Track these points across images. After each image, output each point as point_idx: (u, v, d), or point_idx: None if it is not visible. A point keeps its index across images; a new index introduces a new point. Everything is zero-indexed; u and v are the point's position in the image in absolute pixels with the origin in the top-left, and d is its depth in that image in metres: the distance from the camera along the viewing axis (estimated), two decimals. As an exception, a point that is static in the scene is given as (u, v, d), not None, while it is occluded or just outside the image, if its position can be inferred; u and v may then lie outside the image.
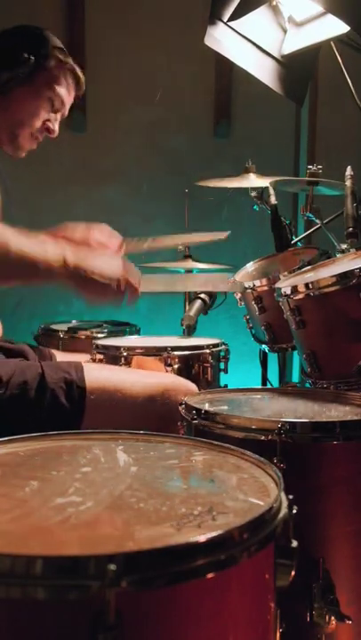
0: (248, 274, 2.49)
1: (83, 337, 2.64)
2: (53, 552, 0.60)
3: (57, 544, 0.67)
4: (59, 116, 1.75)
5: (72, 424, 1.45)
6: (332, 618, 1.09)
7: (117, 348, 1.99)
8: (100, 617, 0.55)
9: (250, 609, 0.68)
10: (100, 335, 2.63)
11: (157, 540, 0.66)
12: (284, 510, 0.71)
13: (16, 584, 0.57)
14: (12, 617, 0.58)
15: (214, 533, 0.62)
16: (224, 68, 3.92)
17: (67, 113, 1.78)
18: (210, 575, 0.61)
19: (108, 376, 1.58)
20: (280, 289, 1.68)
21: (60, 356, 2.00)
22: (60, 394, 1.47)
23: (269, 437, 1.13)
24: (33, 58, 1.63)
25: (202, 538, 0.61)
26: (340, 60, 2.15)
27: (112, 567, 0.55)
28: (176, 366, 1.94)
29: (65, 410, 1.46)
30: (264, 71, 2.12)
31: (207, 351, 2.03)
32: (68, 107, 1.77)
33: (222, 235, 2.19)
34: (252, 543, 0.65)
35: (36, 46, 1.64)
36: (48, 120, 1.72)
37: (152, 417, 1.54)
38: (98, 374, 1.56)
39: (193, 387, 1.68)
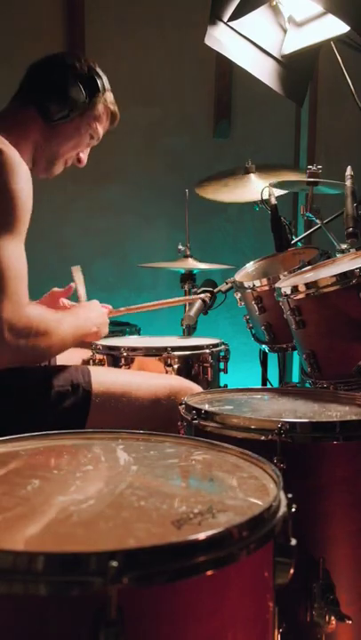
0: (248, 274, 2.49)
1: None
2: (55, 549, 0.60)
3: (59, 541, 0.67)
4: (89, 147, 1.82)
5: (75, 427, 1.46)
6: (332, 618, 1.09)
7: (118, 348, 1.99)
8: (101, 613, 0.56)
9: (249, 606, 0.69)
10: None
11: (158, 537, 0.67)
12: (283, 509, 0.72)
13: (18, 580, 0.57)
14: (15, 613, 0.59)
15: (214, 531, 0.62)
16: (224, 68, 3.93)
17: (95, 144, 1.85)
18: (210, 572, 0.61)
19: (114, 379, 1.60)
20: (280, 289, 1.68)
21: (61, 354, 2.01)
22: (66, 396, 1.49)
23: (269, 437, 1.13)
24: (88, 99, 1.68)
25: (202, 535, 0.61)
26: (340, 60, 2.15)
27: (113, 564, 0.56)
28: (176, 366, 1.94)
29: (69, 413, 1.48)
30: (264, 71, 2.13)
31: (207, 351, 2.03)
32: (99, 140, 1.84)
33: (198, 297, 2.28)
34: (252, 541, 0.65)
35: (90, 87, 1.68)
36: (80, 151, 1.79)
37: (157, 419, 1.54)
38: (104, 378, 1.58)
39: (197, 388, 1.69)
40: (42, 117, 1.65)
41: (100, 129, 1.79)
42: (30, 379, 1.50)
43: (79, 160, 1.80)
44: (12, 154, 1.48)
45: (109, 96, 1.76)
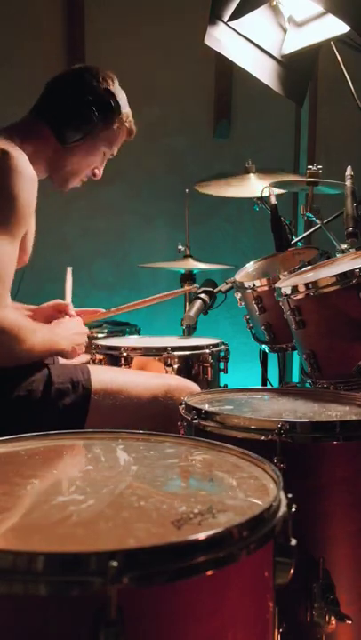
0: (248, 274, 2.49)
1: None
2: (55, 549, 0.60)
3: (59, 541, 0.67)
4: (105, 161, 1.83)
5: (75, 424, 1.47)
6: (332, 618, 1.09)
7: (117, 348, 1.99)
8: (101, 612, 0.56)
9: (249, 606, 0.69)
10: (100, 335, 2.63)
11: (158, 537, 0.67)
12: (283, 509, 0.72)
13: (18, 580, 0.57)
14: (15, 613, 0.59)
15: (214, 531, 0.62)
16: (224, 68, 3.92)
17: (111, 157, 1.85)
18: (210, 572, 0.61)
19: (112, 377, 1.61)
20: (280, 289, 1.68)
21: None
22: (66, 394, 1.49)
23: (269, 437, 1.14)
24: (101, 124, 1.68)
25: (202, 535, 0.61)
26: (341, 60, 2.15)
27: (113, 564, 0.56)
28: (176, 366, 1.95)
29: (69, 411, 1.48)
30: (264, 71, 2.12)
31: (207, 351, 2.03)
32: (114, 154, 1.85)
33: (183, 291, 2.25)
34: (252, 541, 0.65)
35: (106, 109, 1.68)
36: (96, 167, 1.80)
37: (155, 417, 1.55)
38: (103, 376, 1.59)
39: (196, 387, 1.69)
40: (56, 138, 1.66)
41: (116, 147, 1.81)
42: (31, 376, 1.51)
43: (94, 175, 1.82)
44: (20, 157, 1.48)
45: (126, 114, 1.77)
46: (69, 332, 1.69)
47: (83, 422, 1.49)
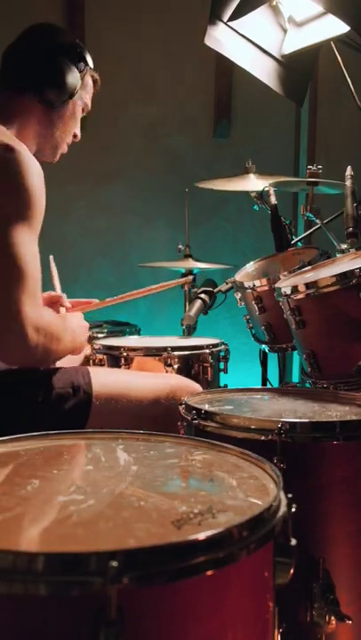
0: (248, 274, 2.49)
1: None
2: (55, 549, 0.60)
3: (59, 541, 0.67)
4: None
5: (76, 427, 1.46)
6: (332, 618, 1.09)
7: (117, 348, 1.99)
8: (101, 613, 0.56)
9: (249, 606, 0.69)
10: (100, 335, 2.63)
11: (158, 537, 0.67)
12: (283, 509, 0.72)
13: (18, 580, 0.57)
14: (15, 613, 0.59)
15: (214, 531, 0.62)
16: (224, 68, 3.93)
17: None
18: (210, 572, 0.61)
19: (114, 380, 1.60)
20: (280, 289, 1.68)
21: None
22: (67, 398, 1.48)
23: (269, 437, 1.13)
24: (81, 76, 1.64)
25: (202, 535, 0.61)
26: (341, 60, 2.15)
27: (114, 564, 0.56)
28: (176, 366, 1.95)
29: (70, 414, 1.48)
30: (264, 71, 2.12)
31: (207, 351, 2.03)
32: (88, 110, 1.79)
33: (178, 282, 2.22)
34: (252, 541, 0.65)
35: (79, 62, 1.64)
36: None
37: (157, 419, 1.54)
38: (104, 379, 1.58)
39: (197, 387, 1.69)
40: (42, 105, 1.61)
41: (88, 99, 1.75)
42: (31, 381, 1.50)
43: (75, 136, 1.76)
44: (25, 152, 1.47)
45: (91, 63, 1.71)
46: (81, 324, 1.67)
47: (83, 426, 1.48)
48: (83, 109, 1.74)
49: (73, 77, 1.62)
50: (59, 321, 1.50)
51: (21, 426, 1.43)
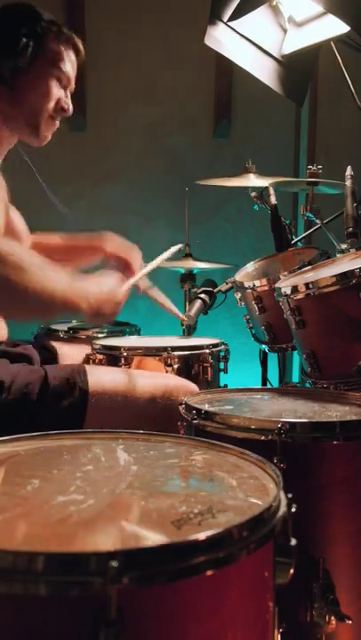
0: (248, 274, 2.49)
1: (83, 337, 2.64)
2: (55, 549, 0.60)
3: (59, 541, 0.67)
4: (68, 92, 1.68)
5: (72, 426, 1.46)
6: (332, 618, 1.09)
7: (117, 348, 1.99)
8: (101, 613, 0.56)
9: (249, 606, 0.69)
10: (100, 335, 2.63)
11: (158, 537, 0.66)
12: (283, 509, 0.72)
13: (18, 580, 0.57)
14: (15, 613, 0.59)
15: (214, 531, 0.62)
16: (224, 68, 3.93)
17: (74, 86, 1.70)
18: (210, 572, 0.61)
19: (110, 378, 1.59)
20: (280, 289, 1.68)
21: (63, 349, 2.01)
22: (63, 397, 1.48)
23: (269, 437, 1.13)
24: (32, 42, 1.54)
25: (202, 535, 0.61)
26: (341, 60, 2.15)
27: (114, 564, 0.56)
28: (176, 366, 1.94)
29: (66, 412, 1.47)
30: (264, 71, 2.13)
31: (207, 351, 2.03)
32: (73, 80, 1.69)
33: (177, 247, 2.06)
34: (252, 541, 0.65)
35: (31, 28, 1.54)
36: (60, 99, 1.65)
37: (155, 418, 1.54)
38: (101, 377, 1.57)
39: (194, 387, 1.68)
40: None
41: (67, 67, 1.64)
42: (27, 377, 1.50)
43: (63, 109, 1.66)
44: None
45: (62, 30, 1.62)
46: (100, 287, 1.47)
47: (81, 424, 1.48)
48: (60, 79, 1.63)
49: (21, 44, 1.52)
50: (21, 251, 1.37)
51: (18, 423, 1.43)
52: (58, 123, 1.69)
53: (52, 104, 1.63)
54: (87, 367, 1.59)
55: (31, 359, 1.72)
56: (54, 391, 1.48)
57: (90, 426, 1.47)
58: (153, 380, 1.65)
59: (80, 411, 1.49)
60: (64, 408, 1.47)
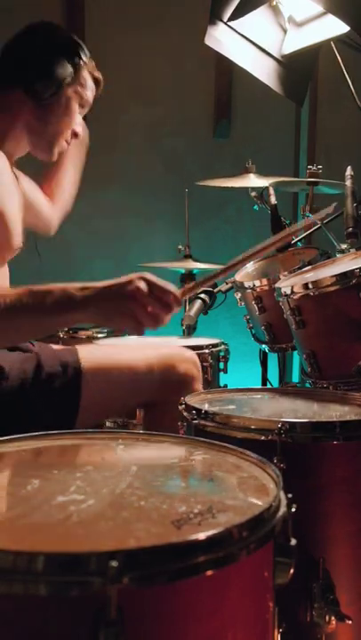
0: (248, 274, 2.49)
1: (83, 337, 2.64)
2: (55, 549, 0.60)
3: (59, 541, 0.67)
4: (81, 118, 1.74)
5: (69, 405, 1.46)
6: (332, 618, 1.09)
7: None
8: (101, 613, 0.56)
9: (249, 606, 0.69)
10: (100, 335, 2.63)
11: (158, 537, 0.67)
12: (283, 509, 0.72)
13: (18, 580, 0.57)
14: (15, 613, 0.59)
15: (214, 531, 0.62)
16: (224, 68, 3.93)
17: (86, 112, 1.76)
18: (210, 572, 0.61)
19: (103, 352, 1.59)
20: (280, 289, 1.68)
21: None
22: (57, 376, 1.48)
23: (269, 437, 1.13)
24: (72, 70, 1.60)
25: (202, 535, 0.61)
26: (341, 60, 2.15)
27: (114, 564, 0.56)
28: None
29: (61, 392, 1.47)
30: (264, 71, 2.13)
31: (207, 351, 2.03)
32: (89, 106, 1.74)
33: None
34: (252, 541, 0.65)
35: (73, 57, 1.61)
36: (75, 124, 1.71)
37: (152, 388, 1.53)
38: (94, 353, 1.56)
39: (191, 354, 1.67)
40: (31, 99, 1.58)
41: (89, 95, 1.70)
42: (22, 364, 1.50)
43: (75, 134, 1.71)
44: None
45: (89, 61, 1.68)
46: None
47: (77, 403, 1.47)
48: (81, 105, 1.69)
49: (62, 69, 1.58)
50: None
51: (15, 409, 1.42)
52: (70, 143, 1.75)
53: (71, 128, 1.68)
54: (79, 347, 1.59)
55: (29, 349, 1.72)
56: (48, 373, 1.48)
57: (89, 403, 1.47)
58: (148, 350, 1.64)
59: (75, 390, 1.48)
60: (59, 389, 1.47)
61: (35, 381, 1.47)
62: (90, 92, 1.70)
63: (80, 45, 1.65)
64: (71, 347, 1.61)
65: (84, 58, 1.64)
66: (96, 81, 1.72)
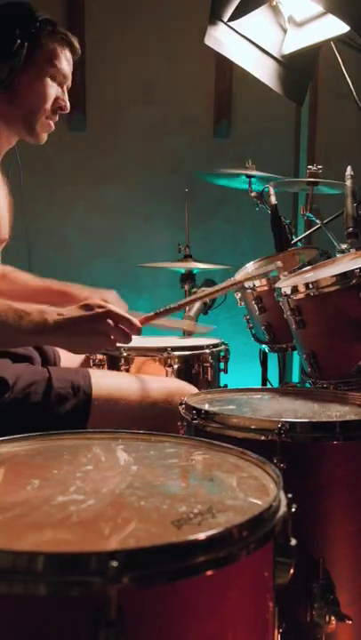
0: (248, 274, 2.49)
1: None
2: (55, 549, 0.60)
3: (59, 541, 0.67)
4: (65, 88, 1.67)
5: (76, 427, 1.46)
6: (332, 618, 1.09)
7: (117, 348, 1.99)
8: (101, 613, 0.56)
9: (249, 606, 0.69)
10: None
11: (158, 537, 0.67)
12: (283, 509, 0.72)
13: (18, 580, 0.57)
14: (15, 613, 0.59)
15: (214, 531, 0.62)
16: (224, 68, 3.93)
17: (70, 83, 1.69)
18: (209, 572, 0.61)
19: (113, 383, 1.60)
20: (280, 289, 1.68)
21: (64, 353, 2.01)
22: (66, 399, 1.48)
23: (269, 437, 1.13)
24: (26, 43, 1.53)
25: (202, 535, 0.61)
26: (341, 60, 2.15)
27: (114, 564, 0.56)
28: (176, 366, 1.94)
29: (69, 415, 1.48)
30: (264, 71, 2.13)
31: (207, 351, 2.03)
32: (70, 77, 1.68)
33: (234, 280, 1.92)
34: (252, 541, 0.65)
35: (25, 28, 1.54)
36: (58, 97, 1.64)
37: (155, 421, 1.54)
38: (104, 381, 1.58)
39: (191, 389, 1.69)
40: None
41: (64, 64, 1.63)
42: (30, 378, 1.50)
43: (61, 108, 1.65)
44: None
45: (56, 29, 1.61)
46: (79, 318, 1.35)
47: (83, 427, 1.48)
48: (55, 77, 1.61)
49: (15, 45, 1.52)
50: None
51: (20, 424, 1.42)
52: (55, 121, 1.68)
53: (49, 103, 1.62)
54: (90, 371, 1.60)
55: (32, 359, 1.72)
56: (58, 393, 1.48)
57: (93, 427, 1.47)
58: (155, 384, 1.65)
59: (83, 414, 1.49)
60: (67, 411, 1.48)
61: (43, 399, 1.47)
62: (63, 61, 1.63)
63: (33, 15, 1.57)
64: (84, 369, 1.61)
65: (46, 27, 1.57)
66: (70, 46, 1.65)
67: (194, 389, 1.70)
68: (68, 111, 1.68)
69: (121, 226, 3.98)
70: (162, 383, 1.69)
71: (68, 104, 1.67)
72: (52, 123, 1.67)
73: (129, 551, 0.59)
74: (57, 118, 1.68)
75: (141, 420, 1.55)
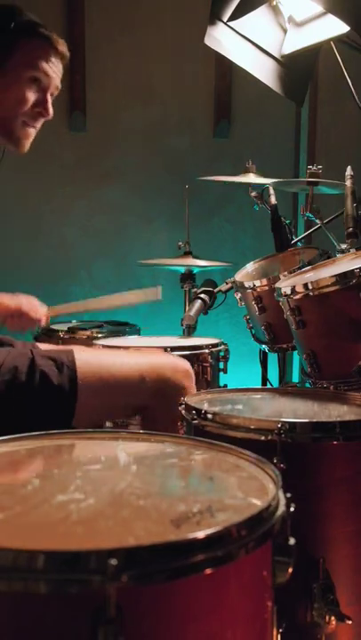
0: (248, 274, 2.49)
1: (83, 337, 2.64)
2: (55, 547, 0.60)
3: (58, 539, 0.67)
4: (49, 95, 1.60)
5: (66, 406, 1.45)
6: (332, 618, 1.09)
7: (117, 348, 1.99)
8: (100, 611, 0.56)
9: (248, 605, 0.69)
10: (100, 335, 2.63)
11: (157, 535, 0.67)
12: (281, 508, 0.72)
13: (18, 578, 0.58)
14: (14, 610, 0.59)
15: (213, 530, 0.62)
16: (224, 68, 3.92)
17: (59, 86, 1.62)
18: (208, 571, 0.61)
19: (98, 358, 1.58)
20: (280, 289, 1.68)
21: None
22: (51, 375, 1.46)
23: (269, 437, 1.13)
24: (1, 45, 1.48)
25: (200, 534, 0.61)
26: (341, 60, 2.15)
27: (113, 562, 0.56)
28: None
29: (57, 391, 1.45)
30: (264, 71, 2.13)
31: (207, 351, 2.04)
32: (58, 80, 1.61)
33: (155, 294, 2.03)
34: (250, 540, 0.65)
35: (1, 28, 1.49)
36: (42, 102, 1.57)
37: (144, 395, 1.53)
38: (88, 357, 1.55)
39: (184, 363, 1.66)
40: None
41: (46, 66, 1.55)
42: (14, 360, 1.48)
43: (41, 114, 1.57)
44: None
45: (39, 30, 1.55)
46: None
47: (72, 405, 1.45)
48: (37, 81, 1.55)
49: None
50: None
51: (10, 407, 1.41)
52: (36, 128, 1.62)
53: (24, 108, 1.55)
54: (73, 347, 1.58)
55: (12, 344, 1.71)
56: (42, 371, 1.45)
57: (82, 407, 1.46)
58: (142, 359, 1.62)
59: (70, 390, 1.46)
60: (53, 387, 1.45)
61: (28, 378, 1.45)
62: (44, 65, 1.56)
63: (14, 14, 1.51)
64: (67, 347, 1.59)
65: (21, 28, 1.52)
66: (51, 41, 1.58)
67: (182, 361, 1.67)
68: (50, 117, 1.61)
69: (121, 226, 3.98)
70: (149, 358, 1.64)
71: (51, 110, 1.60)
72: (31, 129, 1.60)
73: (128, 549, 0.59)
74: (38, 125, 1.61)
75: (132, 396, 1.53)
